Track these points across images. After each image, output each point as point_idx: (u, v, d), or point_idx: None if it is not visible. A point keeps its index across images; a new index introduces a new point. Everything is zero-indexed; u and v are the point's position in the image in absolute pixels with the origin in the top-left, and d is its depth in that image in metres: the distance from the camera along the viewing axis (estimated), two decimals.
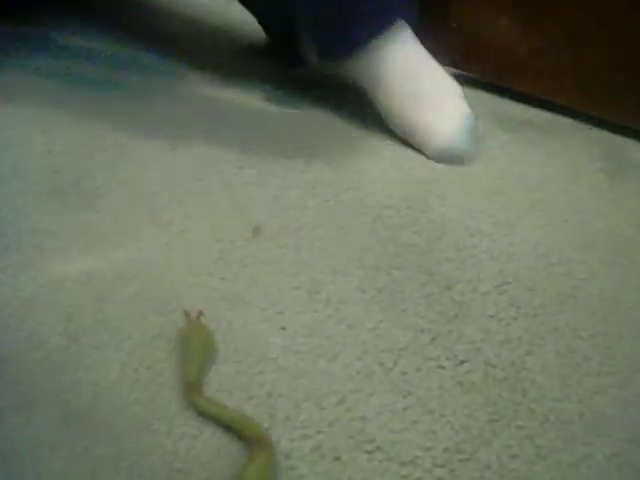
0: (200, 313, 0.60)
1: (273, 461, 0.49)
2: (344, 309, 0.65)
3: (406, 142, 0.92)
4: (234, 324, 0.62)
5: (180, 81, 1.06)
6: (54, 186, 0.79)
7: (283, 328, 0.62)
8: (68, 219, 0.74)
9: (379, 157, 0.90)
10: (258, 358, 0.58)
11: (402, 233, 0.76)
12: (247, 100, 1.01)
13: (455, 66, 1.10)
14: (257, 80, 1.07)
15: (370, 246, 0.74)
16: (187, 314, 0.60)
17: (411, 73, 0.90)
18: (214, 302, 0.65)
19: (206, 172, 0.84)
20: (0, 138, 0.87)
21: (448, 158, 0.87)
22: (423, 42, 1.17)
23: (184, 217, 0.76)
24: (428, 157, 0.88)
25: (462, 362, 0.61)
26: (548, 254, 0.75)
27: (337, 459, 0.51)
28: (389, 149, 0.92)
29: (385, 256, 0.72)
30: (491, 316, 0.66)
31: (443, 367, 0.60)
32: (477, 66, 1.08)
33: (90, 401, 0.54)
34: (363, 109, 1.01)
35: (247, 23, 1.13)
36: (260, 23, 1.09)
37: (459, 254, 0.74)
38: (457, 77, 1.11)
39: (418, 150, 0.90)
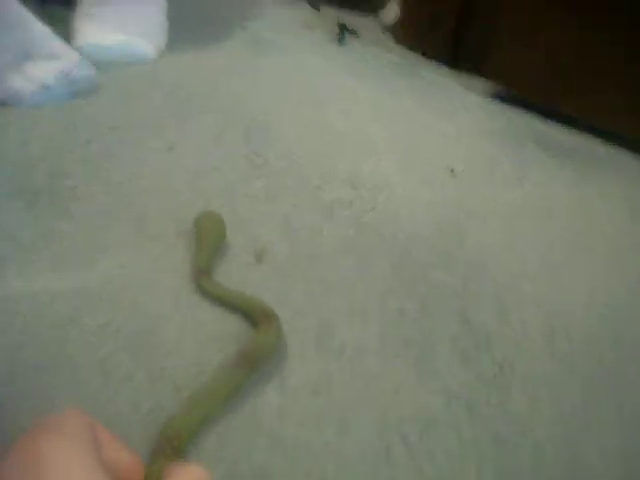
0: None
1: (280, 333, 0.53)
2: (360, 362, 0.53)
3: (436, 154, 0.81)
4: None
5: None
6: (24, 184, 0.67)
7: (282, 384, 0.50)
8: (36, 225, 0.62)
9: (407, 172, 0.78)
10: (248, 422, 0.46)
11: (433, 271, 0.64)
12: (257, 98, 0.89)
13: (497, 83, 1.00)
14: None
15: (395, 284, 0.61)
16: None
17: None
18: (201, 343, 0.52)
19: (207, 180, 0.72)
20: None
21: None
22: (465, 59, 1.07)
23: (176, 230, 0.64)
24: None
25: (505, 442, 0.48)
26: (608, 305, 0.63)
27: None
28: (418, 161, 0.79)
29: (412, 298, 0.60)
30: (539, 382, 0.54)
31: (480, 447, 0.48)
32: (520, 85, 0.97)
33: None
34: (389, 115, 0.89)
35: None
36: None
37: (500, 299, 0.61)
38: (498, 96, 1.00)
39: (449, 164, 0.80)
